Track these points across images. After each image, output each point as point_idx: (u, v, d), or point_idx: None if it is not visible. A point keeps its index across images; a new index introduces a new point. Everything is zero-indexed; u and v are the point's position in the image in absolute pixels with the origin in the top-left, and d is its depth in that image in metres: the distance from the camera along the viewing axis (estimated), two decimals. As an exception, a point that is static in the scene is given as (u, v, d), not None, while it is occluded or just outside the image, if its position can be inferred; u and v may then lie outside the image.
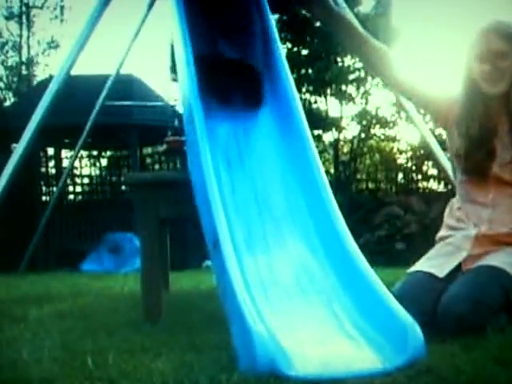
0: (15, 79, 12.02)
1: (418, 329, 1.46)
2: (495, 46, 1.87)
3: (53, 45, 12.41)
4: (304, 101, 8.80)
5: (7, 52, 12.13)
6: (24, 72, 12.19)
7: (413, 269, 1.93)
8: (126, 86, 7.72)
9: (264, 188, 1.95)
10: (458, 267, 1.87)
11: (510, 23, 1.92)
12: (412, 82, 2.05)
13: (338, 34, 2.06)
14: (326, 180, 1.95)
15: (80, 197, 9.53)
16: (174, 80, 2.27)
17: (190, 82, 2.05)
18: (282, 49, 2.28)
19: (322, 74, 8.26)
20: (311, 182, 1.94)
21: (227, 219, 1.75)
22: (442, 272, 1.86)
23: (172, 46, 2.55)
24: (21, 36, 12.08)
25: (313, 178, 1.95)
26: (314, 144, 2.06)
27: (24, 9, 12.00)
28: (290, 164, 2.02)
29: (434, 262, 1.90)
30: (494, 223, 1.90)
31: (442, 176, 8.03)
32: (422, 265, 1.92)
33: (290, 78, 2.18)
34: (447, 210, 2.05)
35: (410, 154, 9.07)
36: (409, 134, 8.92)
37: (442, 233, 2.02)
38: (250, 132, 2.09)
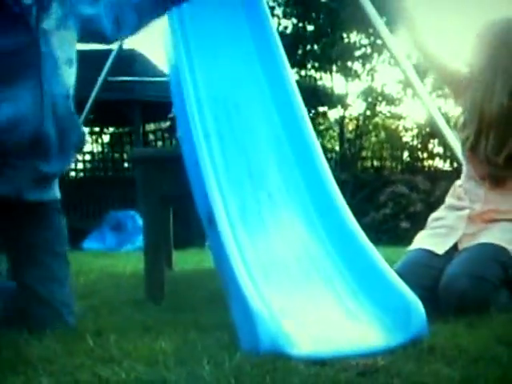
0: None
1: (420, 306, 1.46)
2: None
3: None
4: (309, 77, 8.74)
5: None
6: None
7: (411, 247, 1.95)
8: (129, 62, 7.66)
9: (257, 162, 1.91)
10: (454, 247, 1.90)
11: None
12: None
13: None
14: (321, 152, 1.92)
15: (82, 174, 9.53)
16: None
17: (178, 51, 2.02)
18: (272, 22, 2.24)
19: (327, 50, 8.19)
20: (306, 155, 1.91)
21: (221, 195, 1.73)
22: (441, 249, 1.89)
23: None
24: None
25: (308, 150, 1.91)
26: (307, 115, 2.02)
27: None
28: (284, 136, 1.98)
29: (432, 241, 1.92)
30: (488, 201, 1.93)
31: (447, 154, 7.99)
32: (420, 243, 1.95)
33: (280, 47, 2.14)
34: (451, 191, 2.07)
35: (415, 131, 9.03)
36: (415, 112, 8.88)
37: (436, 213, 2.04)
38: (240, 104, 2.05)
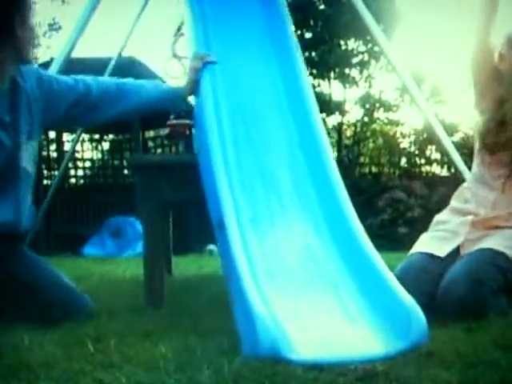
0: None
1: (421, 313, 1.46)
2: None
3: (54, 26, 12.31)
4: (307, 84, 8.76)
5: (8, 34, 12.03)
6: (25, 54, 12.11)
7: (412, 251, 1.95)
8: (128, 69, 7.67)
9: (270, 167, 1.93)
10: (456, 252, 1.90)
11: None
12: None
13: None
14: (332, 160, 1.94)
15: (82, 180, 9.53)
16: (175, 56, 2.24)
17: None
18: (293, 32, 2.25)
19: (325, 57, 8.21)
20: (318, 162, 1.92)
21: (233, 199, 1.74)
22: (441, 252, 1.88)
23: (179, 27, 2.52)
24: (22, 18, 11.98)
25: (320, 157, 1.93)
26: (321, 122, 2.04)
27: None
28: (297, 143, 2.00)
29: (433, 244, 1.92)
30: (496, 207, 1.93)
31: (444, 160, 8.01)
32: (422, 246, 1.94)
33: (299, 56, 2.16)
34: (457, 192, 2.08)
35: (413, 137, 9.05)
36: (412, 118, 8.90)
37: (440, 216, 2.04)
38: (257, 108, 2.06)
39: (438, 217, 2.06)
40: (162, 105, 2.11)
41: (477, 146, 2.04)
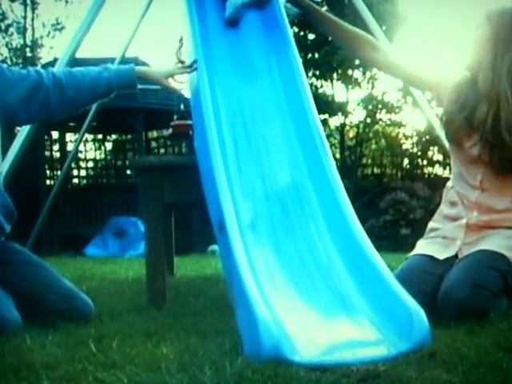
0: (20, 61, 11.96)
1: (423, 314, 1.46)
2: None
3: (58, 27, 12.34)
4: (310, 85, 8.77)
5: (11, 34, 12.06)
6: (29, 54, 12.14)
7: (412, 253, 1.95)
8: (131, 70, 7.64)
9: (271, 169, 1.93)
10: (455, 255, 1.89)
11: None
12: (399, 61, 2.10)
13: (313, 23, 2.21)
14: (333, 162, 1.94)
15: (85, 181, 9.56)
16: (180, 62, 2.23)
17: (200, 64, 2.05)
18: (289, 27, 2.26)
19: (328, 58, 8.22)
20: (318, 164, 1.93)
21: (233, 201, 1.74)
22: (441, 256, 1.88)
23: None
24: (25, 18, 11.99)
25: (319, 160, 1.93)
26: (320, 125, 2.04)
27: (28, -10, 11.90)
28: (297, 145, 2.00)
29: (432, 248, 1.92)
30: (481, 206, 1.91)
31: (447, 161, 8.00)
32: (421, 249, 1.94)
33: (298, 58, 2.17)
34: (444, 196, 2.06)
35: (415, 139, 9.06)
36: (414, 120, 8.90)
37: (433, 223, 2.03)
38: (256, 111, 2.07)
39: (430, 224, 2.05)
40: (112, 84, 2.02)
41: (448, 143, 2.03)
